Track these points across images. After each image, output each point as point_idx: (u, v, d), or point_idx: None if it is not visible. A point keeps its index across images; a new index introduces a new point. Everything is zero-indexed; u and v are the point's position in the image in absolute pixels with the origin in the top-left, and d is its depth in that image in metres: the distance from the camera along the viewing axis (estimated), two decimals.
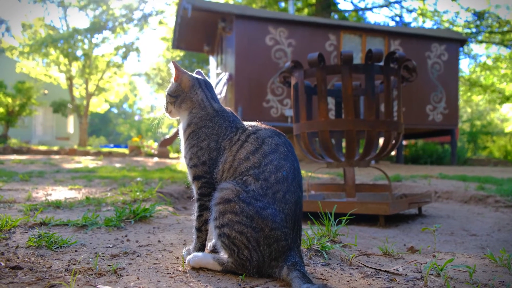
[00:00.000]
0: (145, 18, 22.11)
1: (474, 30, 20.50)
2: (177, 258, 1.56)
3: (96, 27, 20.73)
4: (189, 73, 1.62)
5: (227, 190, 1.33)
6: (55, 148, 14.03)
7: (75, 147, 16.49)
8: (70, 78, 21.34)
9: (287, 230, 1.31)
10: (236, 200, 1.30)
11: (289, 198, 1.33)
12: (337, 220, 1.92)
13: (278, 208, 1.30)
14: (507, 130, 26.45)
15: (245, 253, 1.29)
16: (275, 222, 1.28)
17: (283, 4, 20.16)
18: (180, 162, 9.09)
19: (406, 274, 1.45)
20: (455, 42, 11.76)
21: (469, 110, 35.59)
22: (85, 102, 21.99)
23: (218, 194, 1.35)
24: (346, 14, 21.65)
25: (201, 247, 1.52)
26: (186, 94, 1.58)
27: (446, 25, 20.56)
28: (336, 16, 20.63)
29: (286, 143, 1.44)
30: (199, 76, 1.65)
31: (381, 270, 1.50)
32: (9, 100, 15.52)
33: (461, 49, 13.83)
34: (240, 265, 1.31)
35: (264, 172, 1.34)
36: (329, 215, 1.91)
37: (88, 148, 16.61)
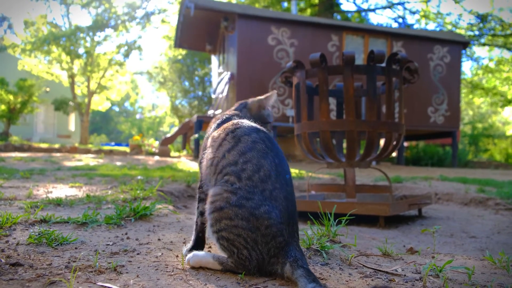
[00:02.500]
0: (147, 16, 22.07)
1: (477, 32, 20.48)
2: (177, 256, 1.56)
3: (98, 25, 20.71)
4: None
5: (218, 202, 1.33)
6: (56, 145, 14.04)
7: (76, 145, 16.49)
8: (72, 76, 21.36)
9: (282, 226, 1.31)
10: (228, 207, 1.30)
11: (277, 194, 1.32)
12: (337, 221, 1.92)
13: (270, 204, 1.31)
14: (508, 133, 26.44)
15: (244, 252, 1.30)
16: (270, 219, 1.29)
17: (286, 4, 20.16)
18: (181, 161, 9.10)
19: (405, 275, 1.45)
20: (457, 45, 11.73)
21: (470, 112, 35.57)
22: (86, 100, 22.00)
23: (208, 206, 1.37)
24: (349, 15, 21.64)
25: (197, 239, 1.57)
26: None
27: (449, 27, 20.55)
28: (338, 17, 20.62)
29: (264, 139, 1.42)
30: None
31: (380, 271, 1.50)
32: (11, 97, 15.52)
33: (463, 51, 13.80)
34: (240, 264, 1.32)
35: (245, 170, 1.33)
36: (329, 215, 1.92)
37: (89, 146, 16.63)
